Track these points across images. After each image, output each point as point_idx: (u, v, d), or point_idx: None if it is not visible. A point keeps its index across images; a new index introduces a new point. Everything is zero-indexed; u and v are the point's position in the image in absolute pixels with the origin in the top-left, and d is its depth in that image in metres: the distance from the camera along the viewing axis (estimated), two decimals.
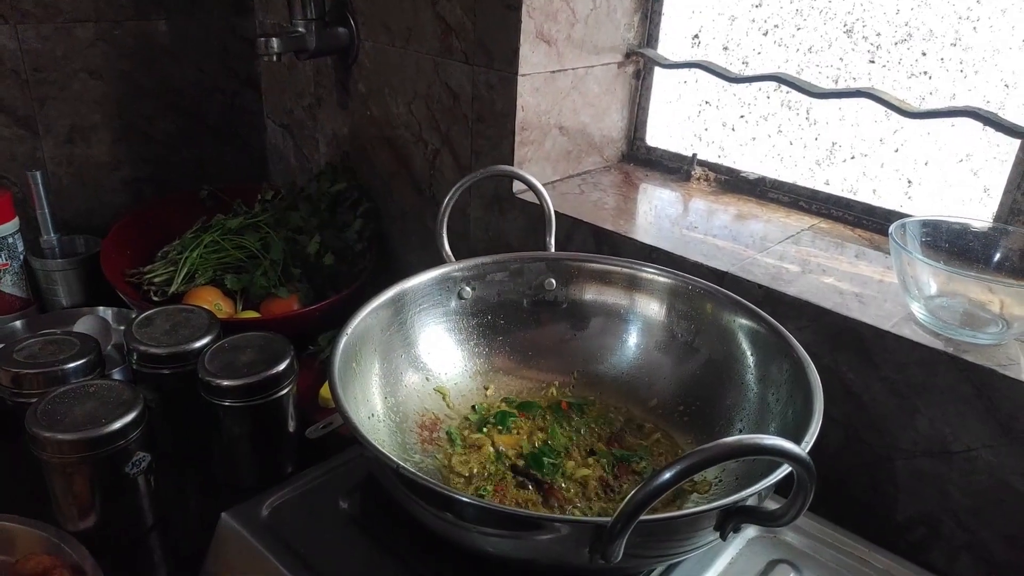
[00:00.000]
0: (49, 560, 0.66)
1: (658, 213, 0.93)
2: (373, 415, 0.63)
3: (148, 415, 0.68)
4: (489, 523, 0.48)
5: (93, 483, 0.66)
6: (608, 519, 0.43)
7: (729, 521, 0.48)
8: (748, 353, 0.67)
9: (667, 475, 0.40)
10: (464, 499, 0.48)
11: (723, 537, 0.49)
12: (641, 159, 1.11)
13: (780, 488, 0.49)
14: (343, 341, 0.60)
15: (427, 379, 0.71)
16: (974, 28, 0.79)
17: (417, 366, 0.70)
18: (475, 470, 0.65)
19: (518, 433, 0.70)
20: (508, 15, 0.88)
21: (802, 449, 0.42)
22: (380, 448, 0.50)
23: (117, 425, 0.64)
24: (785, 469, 0.48)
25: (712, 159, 1.04)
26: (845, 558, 0.63)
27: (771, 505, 0.49)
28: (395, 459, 0.48)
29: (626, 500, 0.41)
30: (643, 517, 0.42)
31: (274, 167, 1.43)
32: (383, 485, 0.55)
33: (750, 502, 0.48)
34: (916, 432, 0.68)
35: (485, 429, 0.70)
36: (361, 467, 0.67)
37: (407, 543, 0.60)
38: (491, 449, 0.67)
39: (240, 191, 1.26)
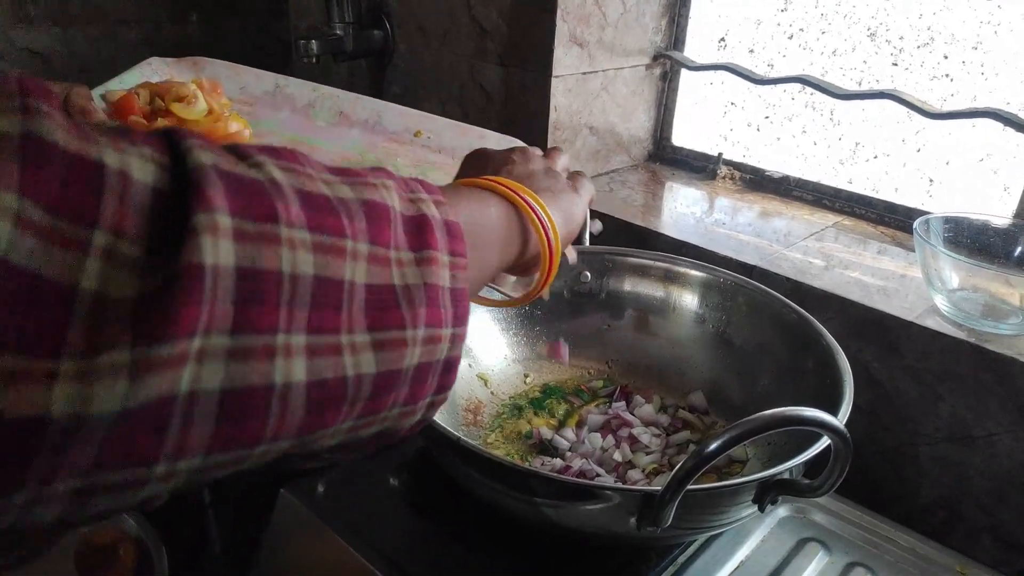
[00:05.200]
0: (114, 534, 0.70)
1: (685, 210, 0.97)
2: None
3: None
4: (537, 491, 0.52)
5: None
6: (658, 488, 0.46)
7: (767, 493, 0.51)
8: (779, 343, 0.70)
9: (715, 444, 0.43)
10: (514, 467, 0.51)
11: (761, 509, 0.52)
12: (667, 158, 1.14)
13: (809, 473, 0.53)
14: None
15: (470, 365, 0.74)
16: (995, 32, 0.82)
17: (464, 352, 0.74)
18: (506, 451, 0.69)
19: (552, 416, 0.74)
20: (543, 18, 0.92)
21: (839, 421, 0.45)
22: (439, 423, 0.53)
23: None
24: (816, 447, 0.51)
25: (737, 159, 1.07)
26: (871, 536, 0.66)
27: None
28: (455, 433, 0.52)
29: (677, 468, 0.45)
30: (689, 487, 0.46)
31: None
32: (438, 459, 0.59)
33: (786, 476, 0.51)
34: (939, 418, 0.71)
35: (522, 414, 0.73)
36: (408, 447, 0.71)
37: (453, 516, 0.63)
38: (525, 427, 0.72)
39: None
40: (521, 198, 0.42)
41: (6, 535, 0.22)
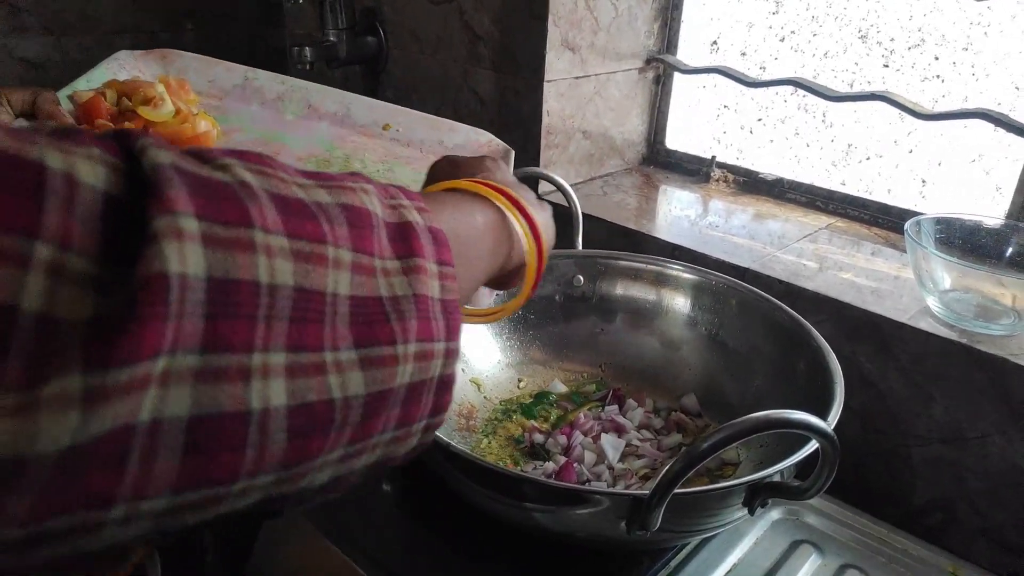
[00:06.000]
0: None
1: (679, 213, 0.97)
2: None
3: None
4: (528, 496, 0.52)
5: None
6: (646, 492, 0.46)
7: (757, 496, 0.51)
8: (771, 345, 0.70)
9: (703, 446, 0.43)
10: (503, 472, 0.51)
11: (751, 512, 0.52)
12: (661, 162, 1.14)
13: (800, 474, 0.53)
14: None
15: (463, 370, 0.74)
16: (985, 33, 0.82)
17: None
18: (498, 455, 0.69)
19: (544, 421, 0.74)
20: (535, 24, 0.92)
21: (827, 425, 0.45)
22: None
23: None
24: (806, 450, 0.51)
25: (731, 161, 1.07)
26: (864, 538, 0.66)
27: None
28: (444, 438, 0.52)
29: (663, 472, 0.45)
30: (677, 491, 0.46)
31: None
32: (429, 465, 0.59)
33: (776, 478, 0.51)
34: (932, 420, 0.71)
35: (514, 418, 0.73)
36: None
37: (446, 521, 0.63)
38: (517, 431, 0.72)
39: None
40: (510, 199, 0.40)
41: None
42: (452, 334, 0.31)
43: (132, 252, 0.20)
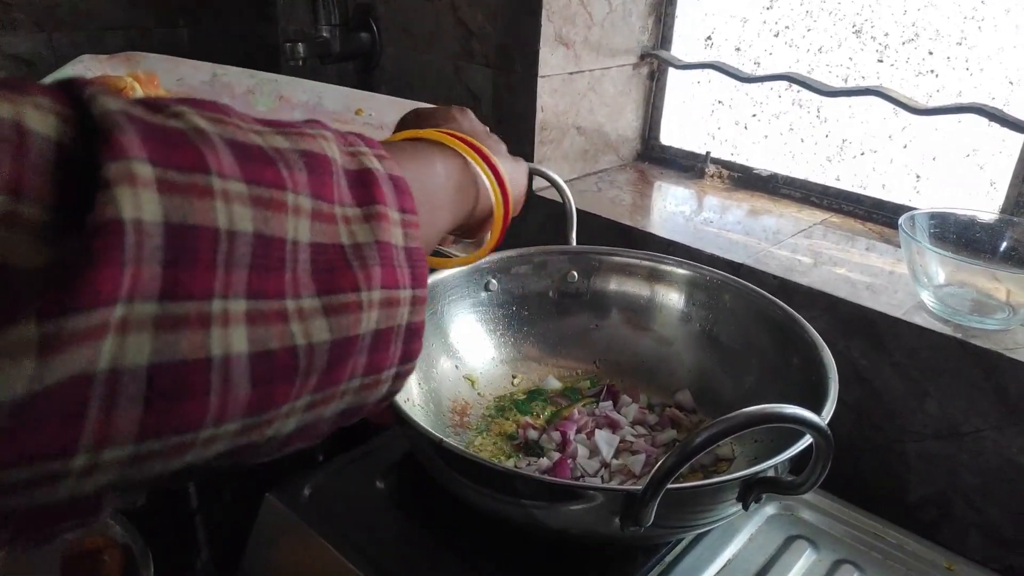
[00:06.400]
0: (101, 540, 0.69)
1: (674, 209, 0.96)
2: (409, 399, 0.66)
3: None
4: (521, 492, 0.51)
5: None
6: (639, 488, 0.46)
7: (751, 492, 0.51)
8: (765, 340, 0.70)
9: (696, 441, 0.43)
10: (496, 468, 0.51)
11: (745, 507, 0.52)
12: (656, 158, 1.14)
13: (794, 469, 0.52)
14: None
15: (456, 367, 0.74)
16: (979, 27, 0.82)
17: (449, 353, 0.74)
18: (492, 452, 0.69)
19: (538, 417, 0.73)
20: (528, 19, 0.92)
21: (821, 419, 0.45)
22: (422, 425, 0.53)
23: None
24: (800, 445, 0.51)
25: (725, 157, 1.07)
26: (859, 534, 0.65)
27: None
28: (437, 434, 0.52)
29: (656, 467, 0.44)
30: (670, 486, 0.45)
31: None
32: (422, 462, 0.58)
33: (770, 473, 0.51)
34: (926, 415, 0.71)
35: (508, 415, 0.73)
36: (395, 450, 0.71)
37: (439, 518, 0.63)
38: (511, 428, 0.71)
39: None
40: (474, 148, 0.40)
41: None
42: (418, 281, 0.31)
43: (88, 201, 0.20)
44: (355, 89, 0.92)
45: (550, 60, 0.95)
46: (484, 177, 0.41)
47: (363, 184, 0.29)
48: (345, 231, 0.27)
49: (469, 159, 0.40)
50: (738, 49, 1.02)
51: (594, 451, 0.68)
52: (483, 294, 0.77)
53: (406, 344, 0.31)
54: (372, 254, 0.28)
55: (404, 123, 0.46)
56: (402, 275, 0.30)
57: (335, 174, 0.28)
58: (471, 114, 0.49)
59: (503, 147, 0.47)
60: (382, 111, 0.90)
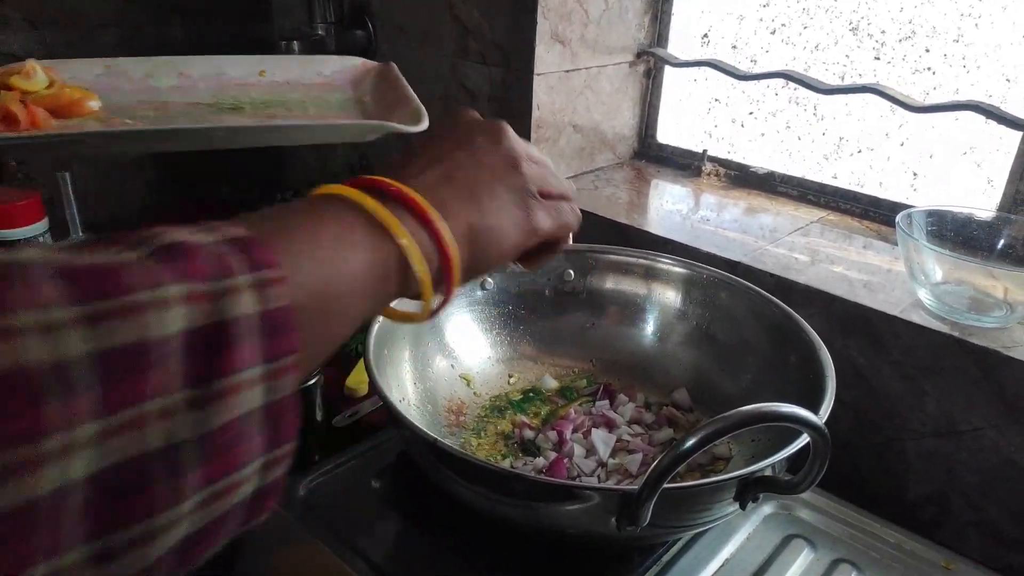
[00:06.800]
0: None
1: (670, 207, 0.96)
2: (404, 399, 0.66)
3: None
4: (517, 492, 0.51)
5: None
6: (635, 487, 0.46)
7: (748, 491, 0.51)
8: (762, 338, 0.70)
9: (691, 441, 0.42)
10: (492, 468, 0.51)
11: (742, 507, 0.52)
12: (652, 156, 1.13)
13: (792, 468, 0.52)
14: (375, 328, 0.63)
15: (452, 366, 0.74)
16: (976, 24, 0.81)
17: (445, 352, 0.73)
18: (488, 451, 0.69)
19: (535, 416, 0.73)
20: (524, 17, 0.91)
21: (818, 418, 0.45)
22: (417, 425, 0.52)
23: None
24: (797, 444, 0.51)
25: (722, 155, 1.06)
26: (857, 533, 0.65)
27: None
28: (432, 434, 0.51)
29: (652, 466, 0.44)
30: (666, 486, 0.45)
31: (291, 168, 1.46)
32: (417, 461, 0.58)
33: (767, 472, 0.51)
34: (924, 413, 0.71)
35: (504, 414, 0.73)
36: (390, 450, 0.70)
37: (435, 518, 0.63)
38: (507, 427, 0.71)
39: (259, 192, 1.29)
40: (409, 203, 0.33)
41: None
42: (281, 439, 0.27)
43: None
44: (256, 56, 0.94)
45: (546, 58, 0.94)
46: (412, 256, 0.33)
47: (211, 348, 0.24)
48: (158, 431, 0.23)
49: (396, 236, 0.33)
50: (735, 47, 1.02)
51: (591, 450, 0.67)
52: (479, 293, 0.76)
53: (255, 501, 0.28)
54: (192, 453, 0.24)
55: (409, 150, 0.39)
56: (248, 448, 0.26)
57: (155, 362, 0.23)
58: (507, 132, 0.40)
59: (547, 170, 0.40)
60: (285, 68, 0.93)
